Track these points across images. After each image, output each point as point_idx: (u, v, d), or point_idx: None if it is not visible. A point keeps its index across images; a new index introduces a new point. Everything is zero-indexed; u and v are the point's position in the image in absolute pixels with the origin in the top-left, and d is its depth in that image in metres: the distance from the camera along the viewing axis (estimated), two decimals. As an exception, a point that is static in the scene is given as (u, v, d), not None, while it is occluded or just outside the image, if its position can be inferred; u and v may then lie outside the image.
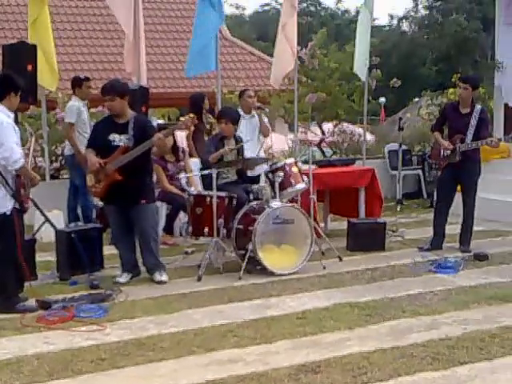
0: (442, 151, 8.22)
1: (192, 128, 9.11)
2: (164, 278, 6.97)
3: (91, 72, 17.21)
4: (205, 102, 9.97)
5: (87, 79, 9.18)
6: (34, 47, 8.46)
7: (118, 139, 6.79)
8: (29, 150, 6.59)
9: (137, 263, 7.13)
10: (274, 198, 7.38)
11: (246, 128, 9.01)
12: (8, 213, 5.91)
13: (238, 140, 8.10)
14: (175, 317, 5.84)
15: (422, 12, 43.16)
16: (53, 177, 10.16)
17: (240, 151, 8.05)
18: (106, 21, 19.10)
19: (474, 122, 7.97)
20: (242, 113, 8.65)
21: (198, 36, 9.72)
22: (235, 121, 8.00)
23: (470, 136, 7.97)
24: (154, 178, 7.76)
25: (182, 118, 7.21)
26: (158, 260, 7.05)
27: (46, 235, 8.24)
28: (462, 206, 8.21)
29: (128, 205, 6.86)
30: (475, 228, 8.36)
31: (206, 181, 7.68)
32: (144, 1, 12.45)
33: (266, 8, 58.03)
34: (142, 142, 6.69)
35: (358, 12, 49.44)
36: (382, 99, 19.30)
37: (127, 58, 9.72)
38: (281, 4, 10.87)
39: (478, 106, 8.14)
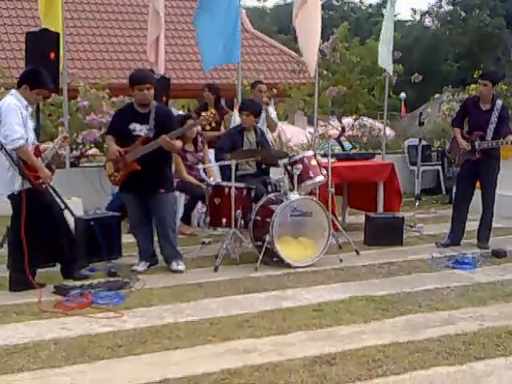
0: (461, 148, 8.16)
1: (213, 124, 9.10)
2: (181, 267, 7.00)
3: (113, 62, 17.34)
4: (204, 95, 10.03)
5: None
6: (57, 35, 8.48)
7: (138, 129, 6.80)
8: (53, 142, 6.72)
9: (154, 252, 7.16)
10: (292, 190, 7.38)
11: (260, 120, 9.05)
12: (16, 193, 6.07)
13: (258, 132, 8.12)
14: (191, 306, 5.87)
15: (446, 7, 42.90)
16: (72, 165, 10.22)
17: (259, 143, 8.07)
18: (128, 11, 19.19)
19: (494, 118, 7.91)
20: None
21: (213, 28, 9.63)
22: (256, 113, 8.04)
23: (489, 133, 7.91)
24: (173, 167, 7.78)
25: (203, 114, 7.23)
26: (175, 249, 7.08)
27: (65, 222, 8.29)
28: (480, 202, 8.17)
29: (147, 194, 6.89)
30: (494, 225, 8.30)
31: (225, 172, 7.70)
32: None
33: (288, 1, 57.91)
34: (162, 133, 6.70)
35: (377, 5, 48.98)
36: (403, 95, 19.22)
37: (150, 49, 9.75)
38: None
39: (500, 102, 8.07)
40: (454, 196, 8.69)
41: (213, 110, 7.26)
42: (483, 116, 7.98)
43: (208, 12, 9.51)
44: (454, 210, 8.33)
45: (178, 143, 6.99)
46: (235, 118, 9.20)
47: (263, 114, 8.90)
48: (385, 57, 10.82)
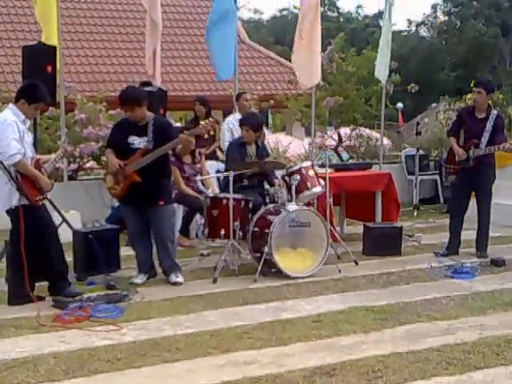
0: (456, 156, 8.17)
1: (212, 132, 9.21)
2: (180, 279, 6.99)
3: (109, 74, 17.35)
4: (196, 108, 10.13)
5: None
6: (54, 48, 8.51)
7: (137, 141, 6.82)
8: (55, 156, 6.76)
9: (153, 264, 7.16)
10: (290, 201, 7.39)
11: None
12: (13, 207, 6.09)
13: (259, 145, 8.13)
14: (191, 318, 5.86)
15: (441, 17, 43.08)
16: (70, 178, 10.23)
17: (259, 156, 8.08)
18: (124, 23, 19.23)
19: (489, 127, 7.92)
20: (239, 116, 8.84)
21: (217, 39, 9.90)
22: (257, 128, 8.02)
23: (484, 141, 7.92)
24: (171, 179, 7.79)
25: (202, 122, 7.30)
26: (174, 261, 7.07)
27: (64, 235, 8.26)
28: (476, 211, 8.17)
29: (146, 206, 6.89)
30: (492, 234, 8.31)
31: (223, 183, 7.71)
32: (163, 4, 12.54)
33: (284, 13, 58.14)
34: (161, 144, 6.73)
35: (374, 16, 49.24)
36: (400, 105, 19.26)
37: (149, 61, 9.80)
38: (299, 9, 10.75)
39: (494, 111, 8.10)
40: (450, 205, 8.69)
41: (211, 118, 7.32)
42: (478, 124, 7.99)
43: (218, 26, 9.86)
44: (451, 219, 8.34)
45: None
46: (225, 135, 9.25)
47: None
48: (381, 68, 10.86)
